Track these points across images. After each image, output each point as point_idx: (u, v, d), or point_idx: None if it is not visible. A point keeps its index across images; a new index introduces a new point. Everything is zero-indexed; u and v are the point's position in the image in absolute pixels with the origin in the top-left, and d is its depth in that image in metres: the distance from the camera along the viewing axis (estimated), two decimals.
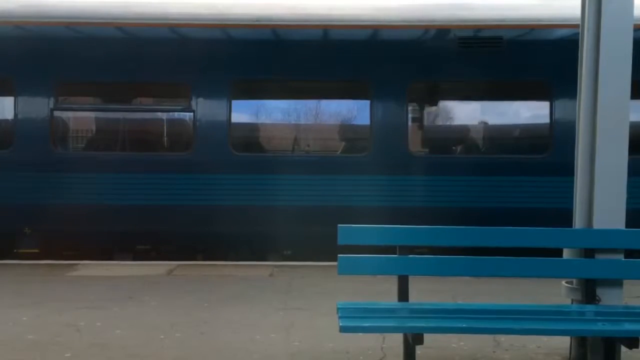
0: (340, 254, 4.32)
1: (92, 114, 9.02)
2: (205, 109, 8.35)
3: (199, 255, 8.63)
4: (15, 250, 8.61)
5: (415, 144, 8.61)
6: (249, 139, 8.85)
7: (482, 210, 8.09)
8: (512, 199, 8.23)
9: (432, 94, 8.89)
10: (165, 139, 8.95)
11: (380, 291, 5.28)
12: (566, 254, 4.57)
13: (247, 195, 8.27)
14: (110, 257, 8.58)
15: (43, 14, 8.41)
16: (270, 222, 8.19)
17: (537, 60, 8.31)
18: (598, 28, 4.37)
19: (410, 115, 8.56)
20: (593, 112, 4.42)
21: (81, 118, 9.03)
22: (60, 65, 8.33)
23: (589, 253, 4.40)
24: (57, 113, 8.44)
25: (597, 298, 4.37)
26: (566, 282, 4.58)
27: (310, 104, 8.91)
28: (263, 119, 9.01)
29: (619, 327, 4.02)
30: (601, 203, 4.38)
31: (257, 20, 8.39)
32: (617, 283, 4.42)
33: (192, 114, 8.36)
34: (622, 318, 4.15)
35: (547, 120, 8.37)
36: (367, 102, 8.40)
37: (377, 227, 4.50)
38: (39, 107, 8.32)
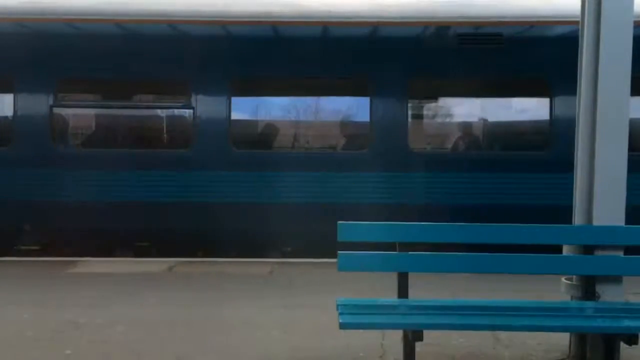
0: (340, 250, 4.32)
1: (91, 111, 9.00)
2: (204, 105, 8.35)
3: (199, 252, 8.62)
4: (15, 247, 8.61)
5: (415, 141, 8.60)
6: (249, 136, 8.85)
7: (482, 208, 8.08)
8: (513, 196, 8.21)
9: (432, 90, 8.87)
10: (165, 135, 8.94)
11: (380, 288, 5.28)
12: (566, 250, 4.57)
13: (247, 192, 8.27)
14: (110, 254, 8.57)
15: (43, 11, 8.41)
16: (270, 219, 8.18)
17: (537, 57, 8.30)
18: (598, 24, 4.37)
19: (410, 112, 8.55)
20: (593, 109, 4.41)
21: (80, 115, 9.02)
22: (59, 62, 8.33)
23: (588, 250, 4.40)
24: (56, 110, 8.45)
25: (596, 294, 4.37)
26: (566, 279, 4.58)
27: (310, 101, 8.91)
28: (263, 116, 9.00)
29: (618, 323, 4.02)
30: (601, 199, 4.38)
31: (256, 17, 8.37)
32: (616, 279, 4.43)
33: (191, 110, 8.36)
34: (621, 314, 4.15)
35: (546, 117, 8.36)
36: (367, 99, 8.39)
37: (376, 224, 4.50)
38: (38, 103, 8.34)
